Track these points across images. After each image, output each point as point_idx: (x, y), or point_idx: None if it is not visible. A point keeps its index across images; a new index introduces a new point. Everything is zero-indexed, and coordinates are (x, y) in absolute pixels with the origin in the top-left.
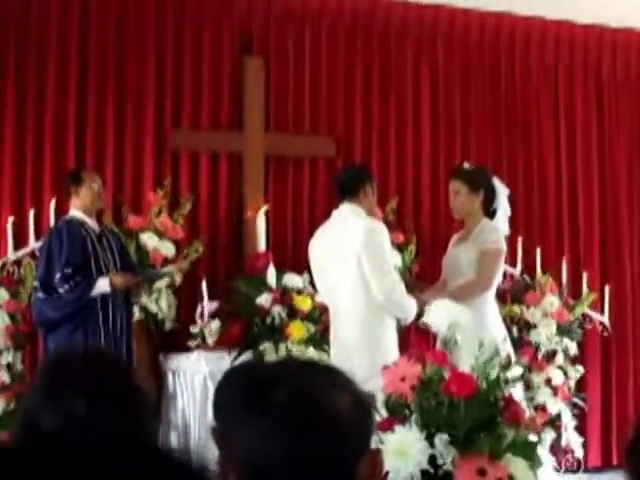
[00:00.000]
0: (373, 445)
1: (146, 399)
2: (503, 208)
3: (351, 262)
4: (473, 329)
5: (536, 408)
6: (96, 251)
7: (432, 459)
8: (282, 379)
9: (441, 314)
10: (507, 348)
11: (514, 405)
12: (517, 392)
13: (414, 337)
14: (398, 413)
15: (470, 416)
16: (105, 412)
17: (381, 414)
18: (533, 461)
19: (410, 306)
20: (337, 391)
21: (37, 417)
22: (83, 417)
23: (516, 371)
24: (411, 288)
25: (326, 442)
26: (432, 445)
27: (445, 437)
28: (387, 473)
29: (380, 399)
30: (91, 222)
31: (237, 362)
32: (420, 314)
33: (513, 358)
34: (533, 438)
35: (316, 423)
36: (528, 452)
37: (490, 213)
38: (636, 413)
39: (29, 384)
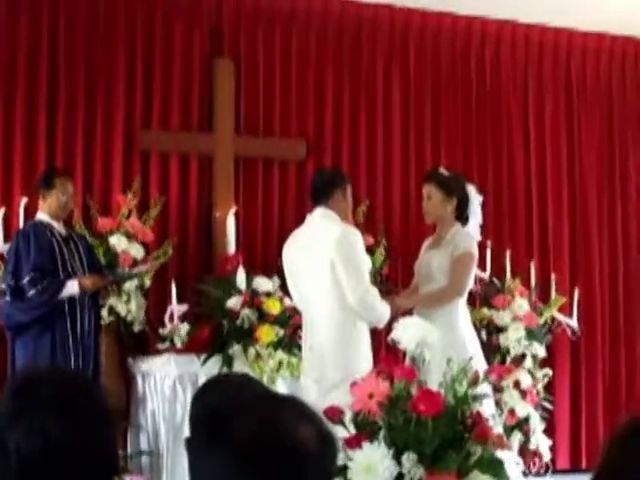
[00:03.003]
0: (340, 462)
1: (113, 420)
2: (475, 216)
3: (325, 267)
4: (443, 341)
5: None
6: (63, 254)
7: (399, 477)
8: (245, 410)
9: (409, 332)
10: (477, 358)
11: (482, 422)
12: (488, 407)
13: (384, 350)
14: (366, 430)
15: (438, 433)
16: (74, 433)
17: (349, 430)
18: (501, 478)
19: (383, 311)
20: (300, 423)
21: (4, 437)
22: (52, 438)
23: (485, 388)
24: (384, 293)
25: (288, 473)
26: (399, 463)
27: (413, 456)
28: None
29: (348, 414)
30: (58, 226)
31: (209, 369)
32: (392, 320)
33: (484, 366)
34: (500, 455)
35: (279, 454)
36: (496, 469)
37: (462, 220)
38: (604, 419)
39: None
